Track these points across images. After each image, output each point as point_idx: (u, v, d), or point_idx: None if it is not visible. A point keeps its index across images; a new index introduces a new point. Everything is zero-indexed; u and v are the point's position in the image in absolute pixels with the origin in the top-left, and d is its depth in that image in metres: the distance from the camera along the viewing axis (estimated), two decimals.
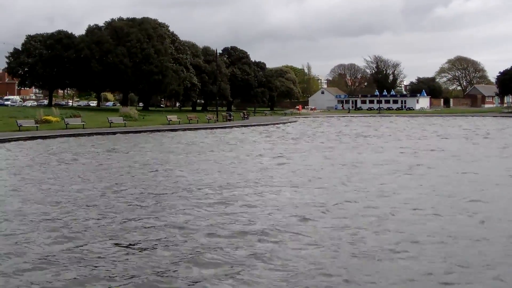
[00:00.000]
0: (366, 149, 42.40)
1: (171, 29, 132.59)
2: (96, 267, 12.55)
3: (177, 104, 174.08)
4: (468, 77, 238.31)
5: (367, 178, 25.98)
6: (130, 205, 19.40)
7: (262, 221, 16.77)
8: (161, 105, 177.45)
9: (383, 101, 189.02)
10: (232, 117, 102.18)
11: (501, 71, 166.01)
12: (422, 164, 31.62)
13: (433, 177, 26.46)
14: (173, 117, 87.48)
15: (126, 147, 44.74)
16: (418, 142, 50.29)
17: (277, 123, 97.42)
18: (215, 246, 14.04)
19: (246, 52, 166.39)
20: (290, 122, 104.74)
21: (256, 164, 32.84)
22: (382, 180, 25.39)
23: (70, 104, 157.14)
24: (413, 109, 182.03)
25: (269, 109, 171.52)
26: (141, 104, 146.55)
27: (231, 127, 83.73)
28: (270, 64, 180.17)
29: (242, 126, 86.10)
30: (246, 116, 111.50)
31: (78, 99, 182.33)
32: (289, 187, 23.30)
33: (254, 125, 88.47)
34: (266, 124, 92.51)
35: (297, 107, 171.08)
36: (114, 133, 63.51)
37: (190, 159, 35.65)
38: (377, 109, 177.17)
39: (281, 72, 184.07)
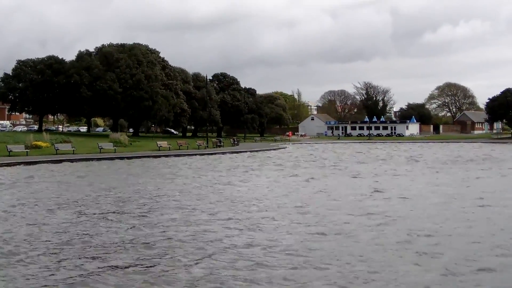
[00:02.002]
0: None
1: (161, 55, 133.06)
2: None
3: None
4: (457, 103, 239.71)
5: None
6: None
7: None
8: (155, 131, 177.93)
9: (373, 128, 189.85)
10: (222, 143, 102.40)
11: (490, 97, 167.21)
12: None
13: None
14: (163, 143, 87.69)
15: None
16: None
17: (269, 149, 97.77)
18: None
19: (236, 79, 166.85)
20: (280, 148, 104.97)
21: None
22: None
23: (61, 129, 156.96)
24: (403, 136, 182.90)
25: (259, 135, 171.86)
26: (131, 130, 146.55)
27: (223, 153, 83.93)
28: (261, 90, 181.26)
29: (232, 152, 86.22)
30: (236, 142, 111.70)
31: (68, 124, 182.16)
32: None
33: (244, 151, 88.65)
34: (257, 150, 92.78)
35: (287, 133, 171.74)
36: (112, 159, 63.75)
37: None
38: (367, 136, 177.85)
39: (271, 98, 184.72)
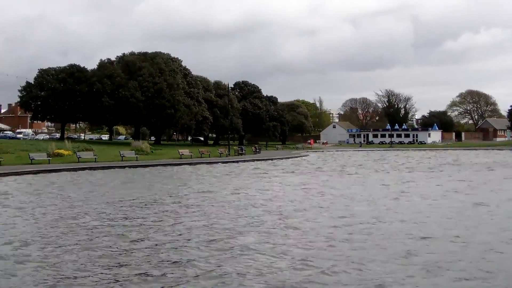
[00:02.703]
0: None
1: (183, 63, 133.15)
2: None
3: (189, 138, 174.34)
4: (479, 110, 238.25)
5: None
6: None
7: None
8: (177, 139, 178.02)
9: (394, 135, 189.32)
10: (244, 151, 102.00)
11: None
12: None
13: None
14: (185, 151, 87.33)
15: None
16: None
17: (292, 157, 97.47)
18: None
19: (258, 86, 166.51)
20: (302, 156, 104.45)
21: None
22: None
23: (82, 137, 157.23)
24: (425, 143, 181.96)
25: (280, 143, 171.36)
26: (153, 138, 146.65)
27: (246, 161, 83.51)
28: (281, 98, 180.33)
29: (255, 160, 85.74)
30: (258, 150, 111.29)
31: (90, 132, 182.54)
32: None
33: (269, 159, 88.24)
34: (281, 158, 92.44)
35: (309, 141, 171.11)
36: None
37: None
38: (388, 143, 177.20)
39: (293, 106, 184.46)
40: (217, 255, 17.00)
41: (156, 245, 18.53)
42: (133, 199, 32.18)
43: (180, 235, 20.43)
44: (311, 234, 20.65)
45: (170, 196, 33.75)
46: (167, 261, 16.24)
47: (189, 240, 19.42)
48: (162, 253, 17.35)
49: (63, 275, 14.80)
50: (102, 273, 15.04)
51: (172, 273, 14.98)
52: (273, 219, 24.29)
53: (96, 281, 14.27)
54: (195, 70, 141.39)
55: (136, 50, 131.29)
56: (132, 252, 17.37)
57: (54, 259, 16.43)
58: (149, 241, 19.25)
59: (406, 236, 20.11)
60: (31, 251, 17.66)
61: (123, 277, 14.67)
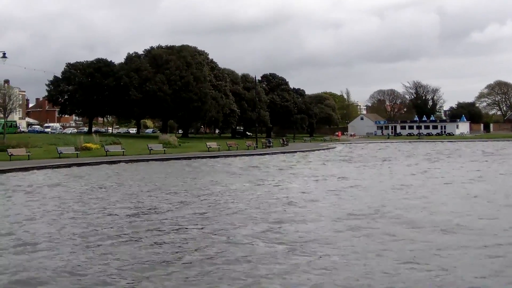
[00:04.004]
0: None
1: (210, 56, 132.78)
2: None
3: (217, 131, 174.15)
4: (508, 101, 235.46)
5: None
6: None
7: None
8: (205, 132, 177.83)
9: (422, 127, 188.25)
10: (271, 144, 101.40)
11: None
12: None
13: None
14: (213, 144, 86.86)
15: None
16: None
17: (319, 149, 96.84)
18: None
19: (285, 79, 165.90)
20: (330, 148, 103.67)
21: None
22: None
23: (110, 131, 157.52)
24: (453, 135, 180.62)
25: (308, 135, 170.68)
26: (180, 131, 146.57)
27: (277, 153, 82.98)
28: (308, 90, 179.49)
29: (285, 152, 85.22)
30: (285, 143, 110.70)
31: (118, 126, 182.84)
32: None
33: (301, 151, 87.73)
34: (313, 150, 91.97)
35: (337, 133, 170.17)
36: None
37: None
38: (416, 135, 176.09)
39: (320, 99, 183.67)
40: None
41: None
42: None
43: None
44: None
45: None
46: None
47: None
48: None
49: None
50: None
51: None
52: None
53: None
54: (222, 63, 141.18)
55: (162, 44, 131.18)
56: None
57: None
58: None
59: None
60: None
61: None
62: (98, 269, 14.47)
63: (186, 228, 19.98)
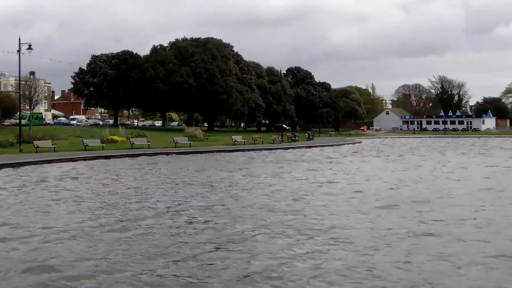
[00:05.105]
0: None
1: (235, 49, 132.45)
2: None
3: (242, 124, 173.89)
4: None
5: None
6: None
7: None
8: (230, 125, 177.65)
9: (448, 122, 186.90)
10: (297, 138, 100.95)
11: None
12: None
13: None
14: (238, 138, 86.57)
15: None
16: None
17: (344, 144, 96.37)
18: None
19: (310, 73, 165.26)
20: (355, 143, 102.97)
21: None
22: None
23: (136, 124, 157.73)
24: (479, 130, 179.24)
25: (333, 129, 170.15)
26: (205, 124, 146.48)
27: (303, 147, 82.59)
28: (333, 84, 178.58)
29: (312, 146, 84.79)
30: (311, 137, 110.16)
31: (143, 119, 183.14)
32: None
33: (323, 146, 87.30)
34: (339, 144, 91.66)
35: (362, 127, 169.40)
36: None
37: None
38: (442, 130, 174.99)
39: (345, 93, 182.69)
40: None
41: None
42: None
43: None
44: None
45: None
46: None
47: None
48: None
49: None
50: None
51: None
52: None
53: None
54: (247, 57, 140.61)
55: (187, 36, 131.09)
56: None
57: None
58: None
59: None
60: None
61: None
62: None
63: None
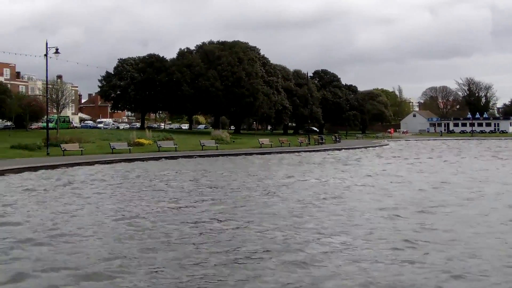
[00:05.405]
0: None
1: (261, 52, 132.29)
2: None
3: (269, 127, 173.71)
4: None
5: None
6: None
7: None
8: (257, 128, 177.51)
9: (475, 124, 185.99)
10: (324, 141, 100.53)
11: None
12: None
13: None
14: (265, 140, 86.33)
15: None
16: None
17: (371, 146, 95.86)
18: None
19: (337, 75, 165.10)
20: (382, 145, 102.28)
21: None
22: None
23: (162, 127, 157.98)
24: (506, 132, 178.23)
25: (360, 132, 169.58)
26: (232, 127, 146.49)
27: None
28: (359, 87, 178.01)
29: (342, 148, 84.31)
30: (338, 140, 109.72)
31: (170, 122, 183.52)
32: None
33: (354, 148, 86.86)
34: (368, 147, 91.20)
35: (389, 130, 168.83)
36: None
37: None
38: (470, 132, 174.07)
39: (372, 95, 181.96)
40: None
41: None
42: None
43: None
44: None
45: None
46: None
47: None
48: None
49: None
50: None
51: None
52: None
53: None
54: (273, 59, 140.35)
55: (213, 39, 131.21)
56: None
57: None
58: None
59: None
60: None
61: None
62: None
63: None
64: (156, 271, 13.66)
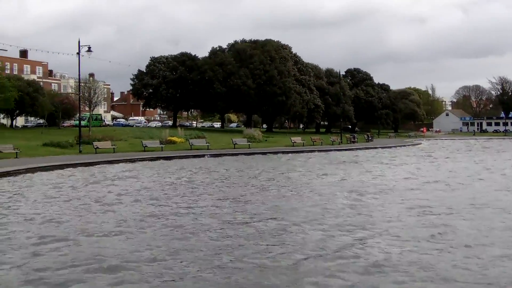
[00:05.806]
0: None
1: (293, 50, 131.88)
2: None
3: (301, 125, 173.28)
4: None
5: None
6: None
7: None
8: (289, 126, 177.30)
9: (509, 123, 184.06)
10: (356, 139, 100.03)
11: None
12: None
13: None
14: (297, 139, 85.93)
15: None
16: None
17: (413, 145, 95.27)
18: None
19: (369, 74, 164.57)
20: (414, 144, 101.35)
21: None
22: None
23: (194, 125, 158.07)
24: None
25: (392, 131, 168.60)
26: (264, 126, 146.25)
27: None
28: (391, 86, 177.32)
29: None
30: (370, 138, 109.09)
31: (202, 120, 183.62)
32: None
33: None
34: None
35: (422, 129, 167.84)
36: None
37: None
38: (503, 131, 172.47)
39: (405, 94, 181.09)
40: None
41: None
42: None
43: None
44: None
45: None
46: None
47: None
48: None
49: None
50: None
51: None
52: None
53: None
54: (305, 58, 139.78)
55: (246, 38, 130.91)
56: None
57: None
58: None
59: None
60: None
61: None
62: None
63: None
64: None
